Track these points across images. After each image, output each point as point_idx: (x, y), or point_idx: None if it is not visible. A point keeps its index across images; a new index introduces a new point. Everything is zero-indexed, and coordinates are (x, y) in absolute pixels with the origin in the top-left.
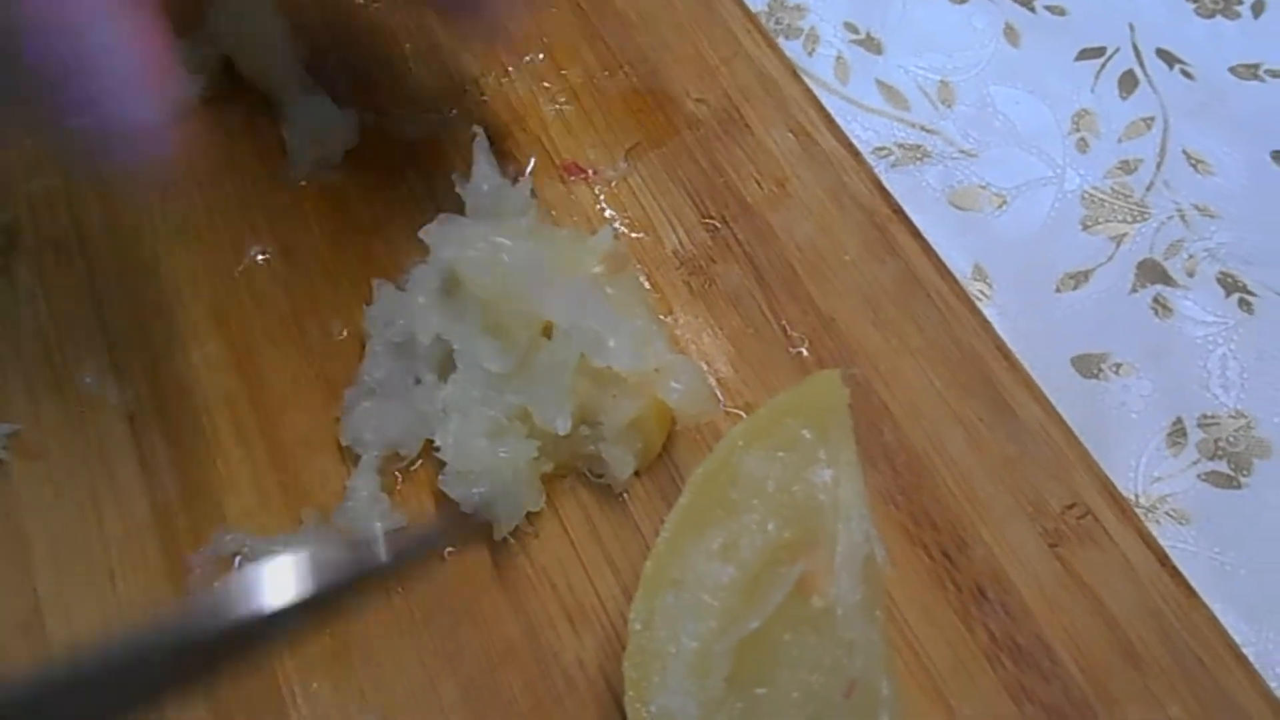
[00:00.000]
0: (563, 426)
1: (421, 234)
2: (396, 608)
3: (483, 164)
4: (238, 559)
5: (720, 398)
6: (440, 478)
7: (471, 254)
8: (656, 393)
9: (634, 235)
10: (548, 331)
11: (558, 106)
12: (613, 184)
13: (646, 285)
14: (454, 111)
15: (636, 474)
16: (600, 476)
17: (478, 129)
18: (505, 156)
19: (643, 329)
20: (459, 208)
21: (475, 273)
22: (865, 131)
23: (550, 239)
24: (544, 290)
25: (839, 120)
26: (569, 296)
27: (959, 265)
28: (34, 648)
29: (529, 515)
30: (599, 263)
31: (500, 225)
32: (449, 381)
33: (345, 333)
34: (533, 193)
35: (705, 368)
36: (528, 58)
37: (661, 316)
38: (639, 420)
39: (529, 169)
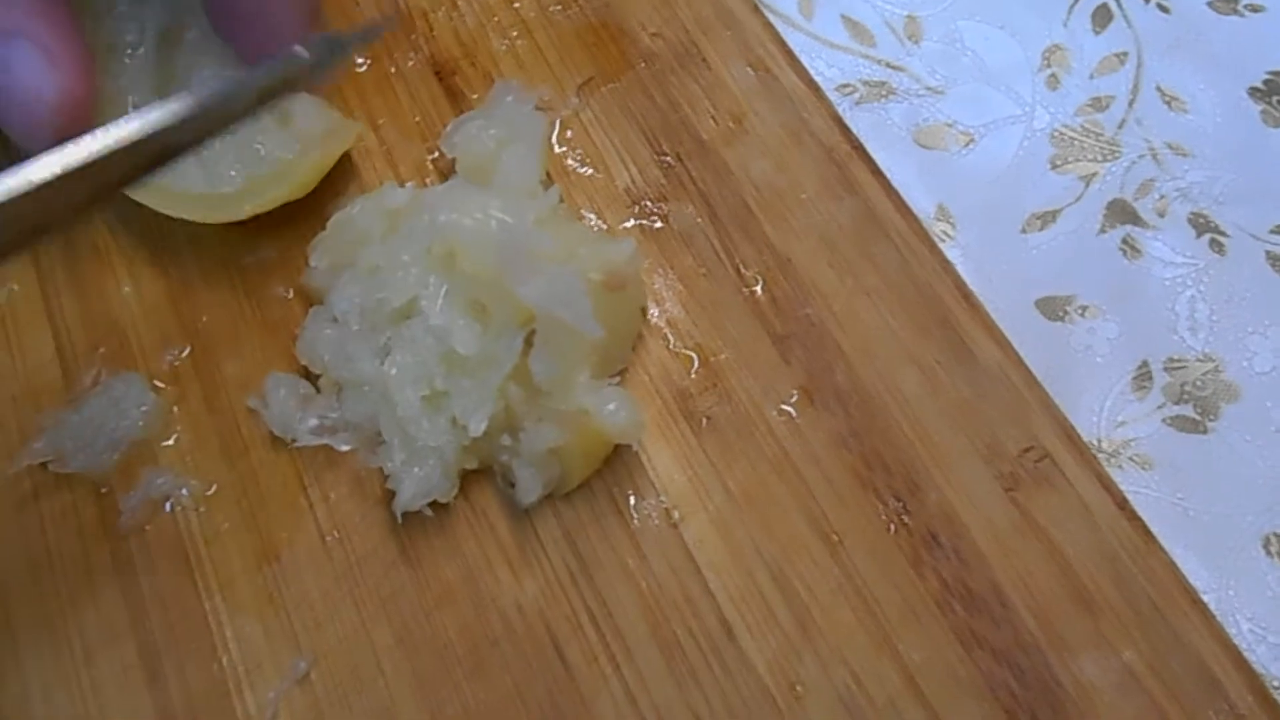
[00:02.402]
0: (476, 429)
1: (425, 193)
2: (331, 550)
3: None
4: (169, 502)
5: (670, 339)
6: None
7: (467, 222)
8: (593, 423)
9: (585, 172)
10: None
11: (508, 41)
12: (564, 120)
13: (599, 226)
14: (410, 63)
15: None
16: (513, 486)
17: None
18: (454, 92)
19: (584, 359)
20: (414, 164)
21: (468, 242)
22: (829, 68)
23: (560, 228)
24: (528, 273)
25: (802, 56)
26: (549, 283)
27: (923, 205)
28: None
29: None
30: (599, 271)
31: (510, 203)
32: (400, 346)
33: (290, 293)
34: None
35: (654, 309)
36: None
37: None
38: (561, 450)
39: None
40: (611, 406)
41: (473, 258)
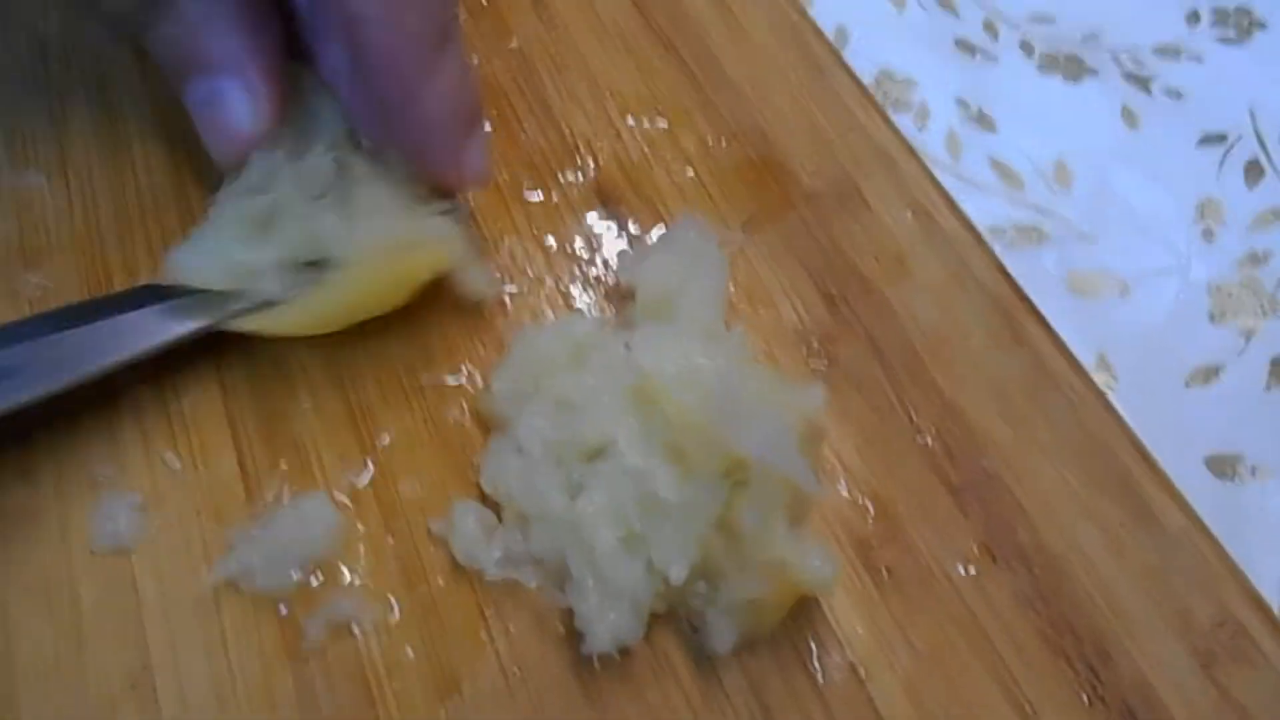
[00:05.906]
0: (677, 576)
1: (622, 333)
2: (513, 688)
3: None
4: (355, 626)
5: (846, 486)
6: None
7: (670, 367)
8: (790, 575)
9: (753, 310)
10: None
11: (671, 173)
12: (730, 257)
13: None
14: (574, 190)
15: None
16: (697, 632)
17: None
18: (621, 220)
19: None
20: (581, 289)
21: (675, 389)
22: (978, 211)
23: (753, 374)
24: (743, 423)
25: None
26: (766, 434)
27: (1082, 354)
28: (144, 708)
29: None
30: (796, 420)
31: (710, 346)
32: (593, 484)
33: (467, 415)
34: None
35: (829, 453)
36: (642, 122)
37: None
38: (757, 602)
39: (655, 233)
40: (816, 562)
41: (677, 403)
